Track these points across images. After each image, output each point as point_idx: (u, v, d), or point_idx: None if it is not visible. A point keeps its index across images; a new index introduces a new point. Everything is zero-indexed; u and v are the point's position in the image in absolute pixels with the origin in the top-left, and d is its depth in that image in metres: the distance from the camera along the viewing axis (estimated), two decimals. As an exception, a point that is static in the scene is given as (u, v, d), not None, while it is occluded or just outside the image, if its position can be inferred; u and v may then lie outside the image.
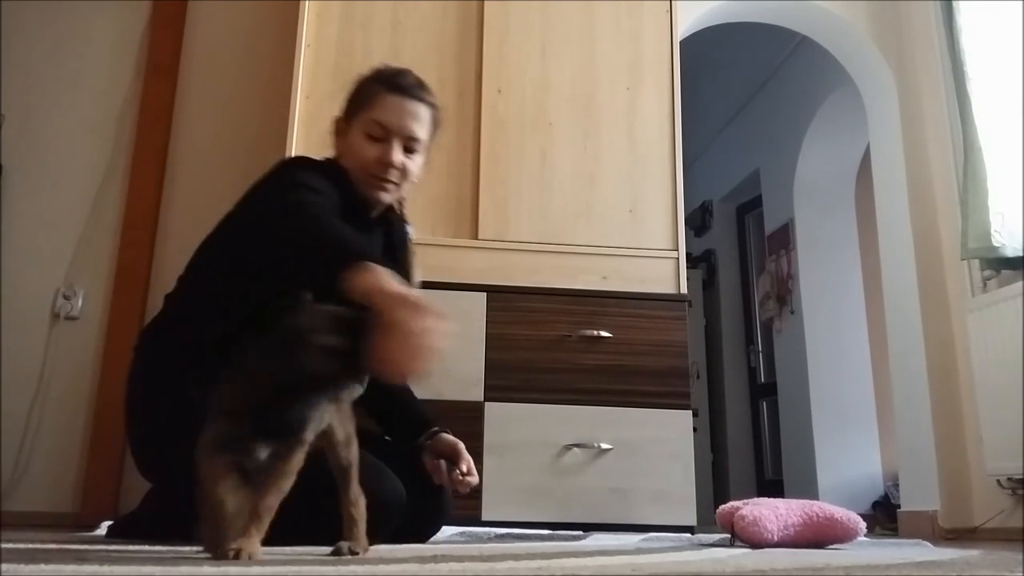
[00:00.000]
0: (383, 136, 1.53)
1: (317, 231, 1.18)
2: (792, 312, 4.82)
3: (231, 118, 2.90)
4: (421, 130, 1.56)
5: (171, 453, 1.52)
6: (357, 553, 1.12)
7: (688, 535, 2.21)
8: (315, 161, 1.54)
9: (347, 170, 1.56)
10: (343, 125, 1.60)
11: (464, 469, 1.57)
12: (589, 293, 2.45)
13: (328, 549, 1.16)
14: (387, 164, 1.53)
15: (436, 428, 1.63)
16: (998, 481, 2.62)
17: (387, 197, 1.58)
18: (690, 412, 2.38)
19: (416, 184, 1.64)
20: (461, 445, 1.60)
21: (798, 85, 4.84)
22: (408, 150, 1.56)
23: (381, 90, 1.54)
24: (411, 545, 1.43)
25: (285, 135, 2.46)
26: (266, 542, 1.31)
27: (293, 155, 1.52)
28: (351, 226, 1.28)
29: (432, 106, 1.58)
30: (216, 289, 1.50)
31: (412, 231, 1.72)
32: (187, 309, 1.56)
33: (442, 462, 1.57)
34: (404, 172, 1.56)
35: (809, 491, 4.25)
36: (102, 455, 2.55)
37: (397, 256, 1.64)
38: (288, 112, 2.47)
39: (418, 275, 1.64)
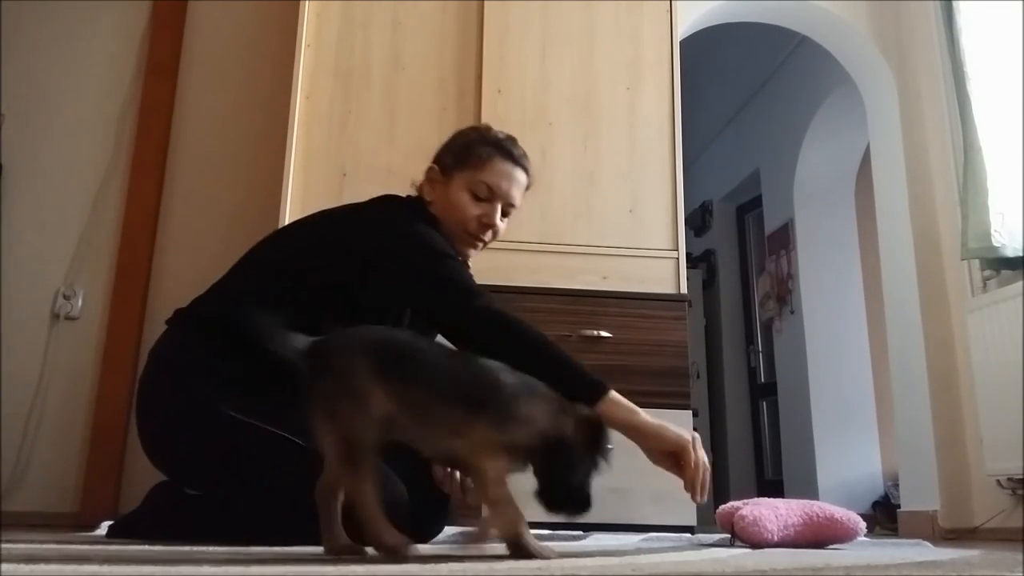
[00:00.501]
0: (488, 198, 1.59)
1: (548, 353, 1.32)
2: (792, 312, 4.82)
3: (231, 118, 2.90)
4: (520, 197, 1.64)
5: (182, 445, 1.53)
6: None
7: (688, 535, 2.20)
8: (420, 208, 1.59)
9: (439, 219, 1.60)
10: (439, 175, 1.63)
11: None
12: (589, 293, 2.45)
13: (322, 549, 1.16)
14: (489, 226, 1.60)
15: None
16: (998, 481, 2.62)
17: (472, 253, 1.65)
18: (690, 412, 2.38)
19: None
20: None
21: (798, 85, 4.84)
22: (504, 214, 1.63)
23: (495, 155, 1.59)
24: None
25: (285, 135, 2.46)
26: (265, 541, 1.31)
27: (395, 195, 1.61)
28: None
29: (530, 175, 1.66)
30: (282, 296, 1.49)
31: None
32: (237, 304, 1.52)
33: (456, 473, 1.57)
34: (495, 234, 1.63)
35: (809, 491, 4.25)
36: (102, 455, 2.55)
37: None
38: (288, 112, 2.47)
39: None
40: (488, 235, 1.61)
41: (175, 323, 1.60)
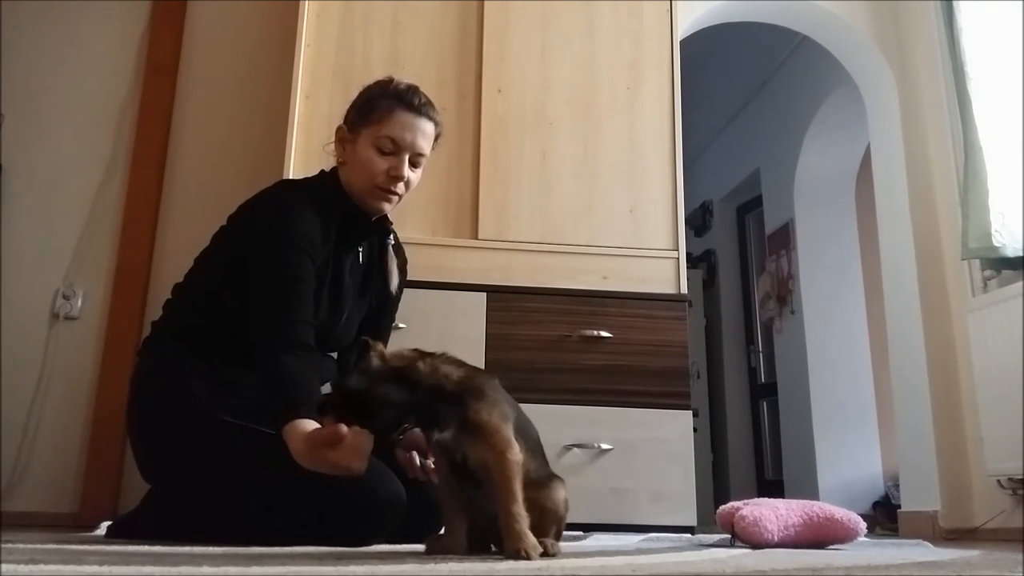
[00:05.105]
0: (393, 151, 1.61)
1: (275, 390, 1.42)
2: (792, 312, 4.82)
3: (231, 118, 2.89)
4: (427, 146, 1.65)
5: (176, 455, 1.54)
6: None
7: (688, 535, 2.20)
8: (307, 189, 1.63)
9: (344, 182, 1.65)
10: (347, 133, 1.66)
11: (432, 459, 1.56)
12: (589, 293, 2.44)
13: (328, 549, 1.16)
14: (397, 178, 1.62)
15: (407, 424, 1.64)
16: (998, 481, 2.61)
17: (388, 207, 1.67)
18: (690, 412, 2.38)
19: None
20: None
21: (798, 85, 4.83)
22: (413, 164, 1.64)
23: (395, 107, 1.61)
24: (411, 545, 1.43)
25: (285, 135, 2.46)
26: (267, 541, 1.31)
27: (285, 179, 1.64)
28: (341, 242, 1.60)
29: (437, 123, 1.66)
30: (222, 299, 1.58)
31: (393, 239, 1.80)
32: (191, 318, 1.63)
33: (414, 454, 1.57)
34: (407, 185, 1.65)
35: (809, 491, 4.25)
36: (102, 455, 2.55)
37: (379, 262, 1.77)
38: (288, 112, 2.47)
39: (395, 281, 1.75)
40: (399, 187, 1.63)
41: (145, 351, 1.65)
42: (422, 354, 1.17)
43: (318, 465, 1.27)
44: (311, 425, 1.31)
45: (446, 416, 1.13)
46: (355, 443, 1.21)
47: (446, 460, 1.18)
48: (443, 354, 1.19)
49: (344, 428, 1.19)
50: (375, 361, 1.13)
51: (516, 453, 1.10)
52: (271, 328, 1.46)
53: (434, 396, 1.13)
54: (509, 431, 1.12)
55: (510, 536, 1.07)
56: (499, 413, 1.13)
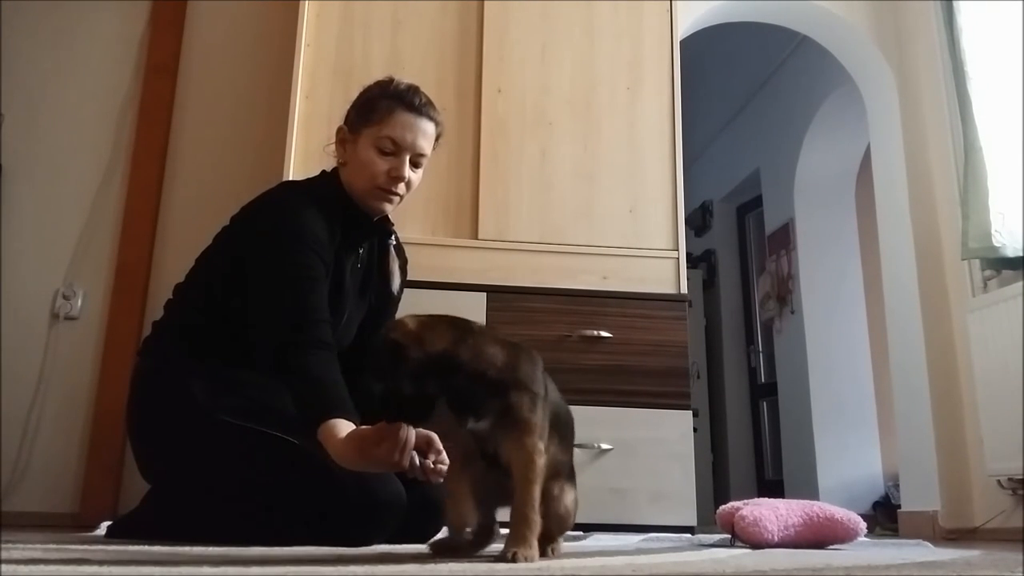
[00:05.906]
0: (394, 151, 1.61)
1: (307, 389, 1.38)
2: (792, 312, 4.82)
3: (231, 118, 2.89)
4: (428, 146, 1.65)
5: (176, 455, 1.55)
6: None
7: (688, 535, 2.20)
8: (310, 191, 1.62)
9: (345, 183, 1.65)
10: (348, 134, 1.66)
11: (432, 459, 1.55)
12: (589, 293, 2.44)
13: (328, 549, 1.16)
14: (397, 179, 1.61)
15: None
16: (998, 481, 2.61)
17: (389, 208, 1.67)
18: (690, 412, 2.38)
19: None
20: (434, 436, 1.59)
21: (798, 85, 4.83)
22: (414, 164, 1.64)
23: (395, 107, 1.60)
24: (411, 545, 1.43)
25: (285, 135, 2.46)
26: (267, 541, 1.31)
27: (287, 181, 1.61)
28: (343, 242, 1.59)
29: (438, 123, 1.65)
30: (223, 299, 1.59)
31: (394, 239, 1.80)
32: (191, 317, 1.63)
33: (414, 454, 1.57)
34: (408, 185, 1.65)
35: (809, 491, 4.25)
36: (102, 455, 2.55)
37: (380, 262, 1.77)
38: (288, 112, 2.47)
39: (396, 282, 1.75)
40: (400, 188, 1.63)
41: (145, 352, 1.65)
42: (462, 332, 1.11)
43: (363, 464, 1.26)
44: (348, 426, 1.29)
45: (487, 405, 1.09)
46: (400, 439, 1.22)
47: (477, 448, 1.14)
48: (483, 330, 1.14)
49: (394, 427, 1.19)
50: (415, 355, 1.07)
51: (542, 455, 1.08)
52: (292, 329, 1.43)
53: (475, 382, 1.08)
54: (544, 432, 1.10)
55: (515, 538, 1.06)
56: (540, 411, 1.09)
